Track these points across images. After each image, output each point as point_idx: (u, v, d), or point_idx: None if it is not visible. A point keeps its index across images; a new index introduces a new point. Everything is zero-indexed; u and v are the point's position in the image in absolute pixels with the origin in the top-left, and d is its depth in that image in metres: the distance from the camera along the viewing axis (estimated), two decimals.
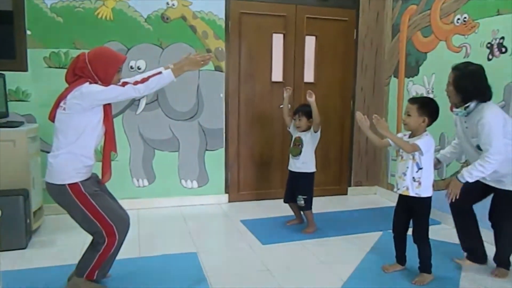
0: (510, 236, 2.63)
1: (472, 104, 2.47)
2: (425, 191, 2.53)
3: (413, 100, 2.58)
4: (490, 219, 2.73)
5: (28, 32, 3.65)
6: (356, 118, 2.73)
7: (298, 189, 3.46)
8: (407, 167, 2.53)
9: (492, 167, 2.40)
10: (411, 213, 2.61)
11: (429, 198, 2.56)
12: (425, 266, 2.61)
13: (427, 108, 2.52)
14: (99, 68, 2.22)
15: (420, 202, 2.55)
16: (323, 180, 4.56)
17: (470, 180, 2.47)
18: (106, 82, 2.23)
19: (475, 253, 2.83)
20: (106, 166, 2.36)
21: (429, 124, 2.54)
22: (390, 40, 4.57)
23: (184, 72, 2.37)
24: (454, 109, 2.57)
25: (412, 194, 2.53)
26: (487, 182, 2.61)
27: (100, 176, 2.40)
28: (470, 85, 2.47)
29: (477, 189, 2.65)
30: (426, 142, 2.48)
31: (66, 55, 3.74)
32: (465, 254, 2.87)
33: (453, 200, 2.53)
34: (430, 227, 2.62)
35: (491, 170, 2.41)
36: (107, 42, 3.81)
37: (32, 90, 3.69)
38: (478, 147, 2.52)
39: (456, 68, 2.55)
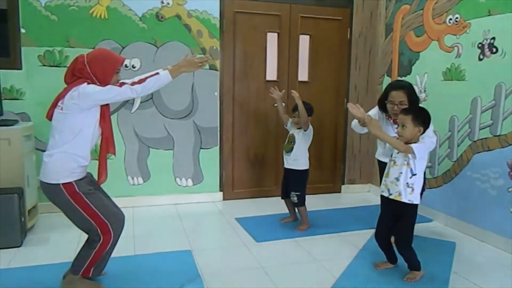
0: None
1: None
2: (416, 198, 2.52)
3: (406, 111, 2.52)
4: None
5: (22, 30, 3.64)
6: (349, 110, 2.76)
7: (291, 185, 3.50)
8: (401, 173, 2.49)
9: None
10: (398, 219, 2.58)
11: (417, 205, 2.56)
12: (413, 266, 2.63)
13: (422, 117, 2.49)
14: (97, 70, 2.23)
15: (410, 208, 2.54)
16: (317, 178, 4.59)
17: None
18: (104, 83, 2.24)
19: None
20: (102, 168, 2.36)
21: (422, 133, 2.52)
22: (383, 39, 4.60)
23: (181, 73, 2.39)
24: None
25: (405, 200, 2.50)
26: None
27: (94, 176, 2.41)
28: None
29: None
30: (421, 147, 2.46)
31: (61, 53, 3.74)
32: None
33: None
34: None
35: None
36: (101, 40, 3.82)
37: (26, 89, 3.69)
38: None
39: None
